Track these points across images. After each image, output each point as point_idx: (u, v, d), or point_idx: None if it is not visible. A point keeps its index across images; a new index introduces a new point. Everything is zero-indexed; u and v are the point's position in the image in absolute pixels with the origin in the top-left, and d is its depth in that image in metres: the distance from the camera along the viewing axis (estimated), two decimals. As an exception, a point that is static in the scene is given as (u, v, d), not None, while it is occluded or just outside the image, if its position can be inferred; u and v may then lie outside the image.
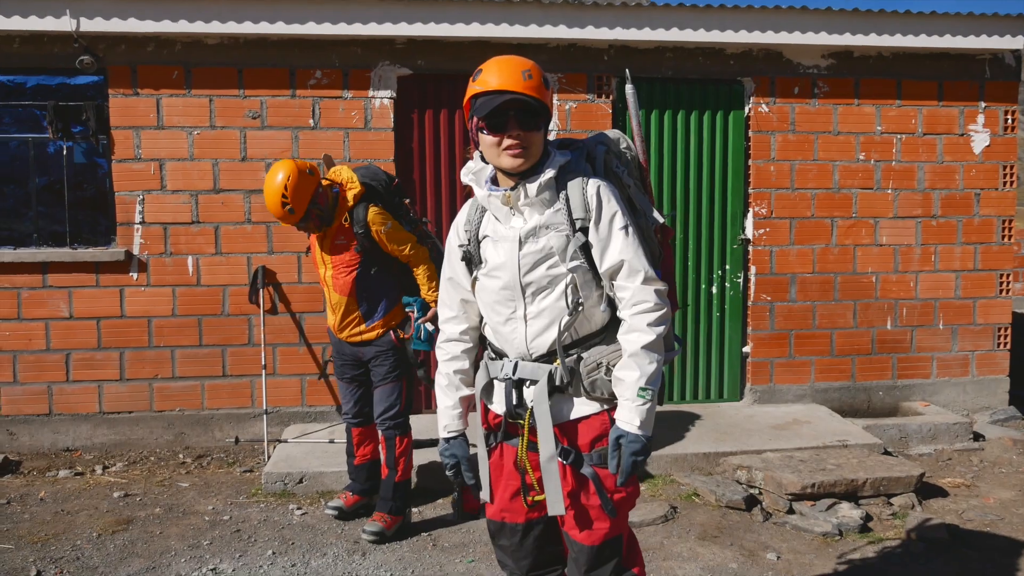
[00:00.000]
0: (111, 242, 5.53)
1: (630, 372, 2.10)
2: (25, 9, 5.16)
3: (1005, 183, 6.14)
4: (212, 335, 5.56)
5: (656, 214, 2.34)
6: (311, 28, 5.28)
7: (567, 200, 2.15)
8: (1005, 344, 6.28)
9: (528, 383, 2.19)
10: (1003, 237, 6.17)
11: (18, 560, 3.83)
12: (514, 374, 2.20)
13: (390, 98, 5.56)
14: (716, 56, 5.83)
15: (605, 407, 2.20)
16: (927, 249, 6.10)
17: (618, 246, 2.14)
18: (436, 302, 3.96)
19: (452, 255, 2.36)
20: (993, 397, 6.28)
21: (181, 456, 5.43)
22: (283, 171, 3.80)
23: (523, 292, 2.18)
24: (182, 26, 5.22)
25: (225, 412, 5.59)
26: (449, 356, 2.39)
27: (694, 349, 6.06)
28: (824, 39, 5.67)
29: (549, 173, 2.14)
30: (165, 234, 5.51)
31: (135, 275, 5.50)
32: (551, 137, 2.37)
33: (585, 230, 2.13)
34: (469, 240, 2.30)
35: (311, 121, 5.54)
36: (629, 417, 2.08)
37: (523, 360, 2.21)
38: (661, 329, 2.13)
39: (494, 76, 2.09)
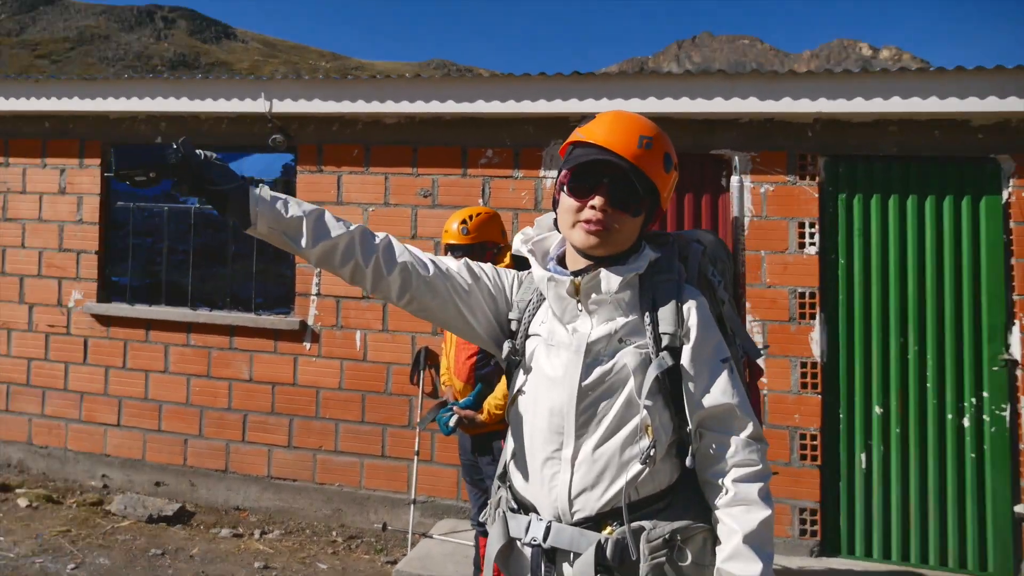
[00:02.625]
0: (290, 311, 5.73)
1: (750, 565, 1.48)
2: (229, 92, 5.53)
3: None
4: (374, 413, 5.53)
5: (754, 343, 1.74)
6: (480, 107, 5.09)
7: (652, 306, 1.60)
8: None
9: (570, 556, 1.58)
10: None
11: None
12: (545, 540, 1.59)
13: (561, 177, 5.19)
14: (957, 129, 4.75)
15: None
16: None
17: (721, 384, 1.57)
18: (493, 414, 3.48)
19: (486, 270, 1.79)
20: None
21: (334, 534, 5.43)
22: (488, 209, 3.82)
23: (576, 424, 1.60)
24: (360, 106, 5.27)
25: (381, 494, 5.52)
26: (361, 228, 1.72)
27: (938, 498, 4.72)
28: (1114, 108, 4.39)
29: (640, 266, 1.61)
30: (337, 307, 5.60)
31: (308, 345, 5.63)
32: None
33: (674, 351, 1.57)
34: (518, 330, 1.72)
35: (480, 200, 5.33)
36: None
37: (558, 521, 1.60)
38: (772, 501, 1.55)
39: (603, 129, 1.60)
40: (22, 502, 5.73)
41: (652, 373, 1.54)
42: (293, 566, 4.87)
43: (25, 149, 6.28)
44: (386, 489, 5.51)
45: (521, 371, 1.71)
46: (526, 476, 1.67)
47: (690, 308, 1.60)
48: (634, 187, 1.57)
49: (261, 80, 5.49)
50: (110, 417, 6.09)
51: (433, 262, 1.72)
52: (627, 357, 1.57)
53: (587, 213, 1.58)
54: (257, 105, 5.47)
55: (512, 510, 1.70)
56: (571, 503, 1.59)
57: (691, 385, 1.57)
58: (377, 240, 1.70)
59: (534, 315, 1.72)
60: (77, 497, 5.91)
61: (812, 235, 4.85)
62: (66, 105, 5.94)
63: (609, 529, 1.56)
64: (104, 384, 6.11)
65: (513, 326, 1.74)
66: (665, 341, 1.57)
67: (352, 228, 1.68)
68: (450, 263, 1.74)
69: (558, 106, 4.98)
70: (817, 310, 4.84)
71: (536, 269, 1.68)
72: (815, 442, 4.81)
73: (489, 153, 5.30)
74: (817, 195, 4.87)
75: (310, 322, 5.63)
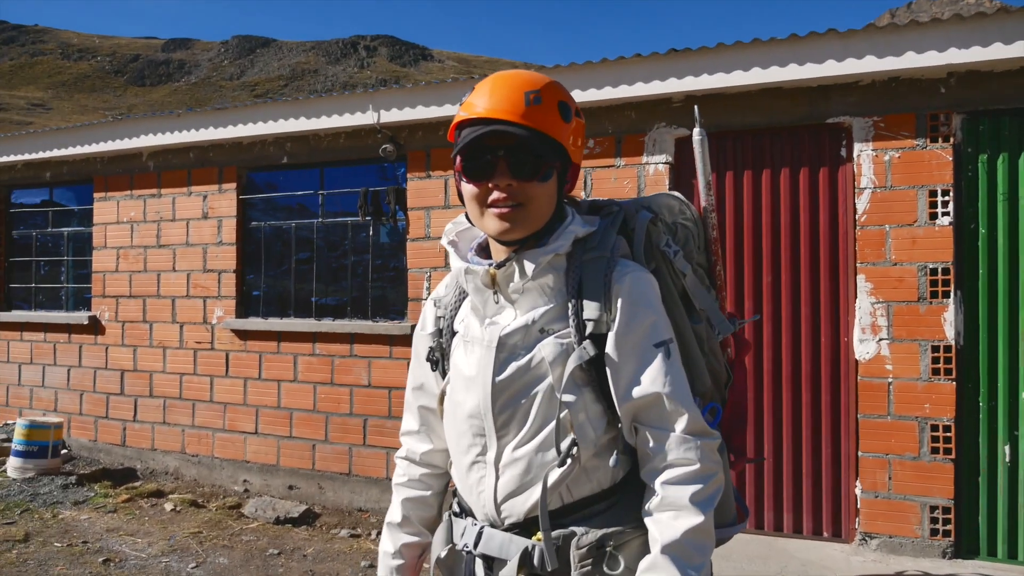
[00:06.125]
0: (404, 317, 5.82)
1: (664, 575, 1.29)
2: (341, 108, 5.78)
3: None
4: (484, 413, 5.47)
5: (724, 318, 1.52)
6: (576, 95, 4.98)
7: (578, 290, 1.40)
8: None
9: (505, 563, 1.43)
10: None
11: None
12: (476, 546, 1.46)
13: (666, 163, 4.97)
14: (1124, 69, 4.10)
15: None
16: None
17: (651, 372, 1.36)
18: None
19: (419, 348, 1.64)
20: None
21: (448, 535, 5.39)
22: None
23: (496, 426, 1.43)
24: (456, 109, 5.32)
25: (493, 494, 5.43)
26: (404, 479, 1.68)
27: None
28: None
29: (560, 245, 1.41)
30: (447, 310, 5.62)
31: (421, 349, 5.68)
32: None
33: (599, 339, 1.37)
34: (441, 330, 1.57)
35: (583, 193, 5.20)
36: None
37: (491, 526, 1.47)
38: (711, 507, 1.33)
39: (483, 98, 1.38)
40: (168, 506, 6.12)
41: (571, 365, 1.36)
42: (402, 565, 4.85)
43: (174, 180, 6.86)
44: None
45: (443, 372, 1.57)
46: (460, 481, 1.53)
47: (620, 288, 1.38)
48: (535, 151, 1.37)
49: (369, 92, 5.69)
50: (248, 426, 6.43)
51: (423, 403, 1.67)
52: (546, 349, 1.39)
53: (493, 195, 1.38)
54: (367, 117, 5.67)
55: (455, 514, 1.56)
56: (498, 509, 1.45)
57: (617, 375, 1.37)
58: (432, 485, 1.69)
59: (457, 311, 1.56)
60: (219, 501, 6.24)
61: (945, 204, 4.32)
62: (204, 136, 6.44)
63: (538, 535, 1.40)
64: (243, 395, 6.46)
65: (441, 324, 1.58)
66: (589, 328, 1.37)
67: (429, 478, 1.69)
68: (426, 378, 1.64)
69: (656, 87, 4.79)
70: (952, 288, 4.29)
71: (454, 261, 1.50)
72: (948, 433, 4.26)
73: (591, 143, 5.17)
74: (951, 158, 4.33)
75: (423, 326, 5.69)
